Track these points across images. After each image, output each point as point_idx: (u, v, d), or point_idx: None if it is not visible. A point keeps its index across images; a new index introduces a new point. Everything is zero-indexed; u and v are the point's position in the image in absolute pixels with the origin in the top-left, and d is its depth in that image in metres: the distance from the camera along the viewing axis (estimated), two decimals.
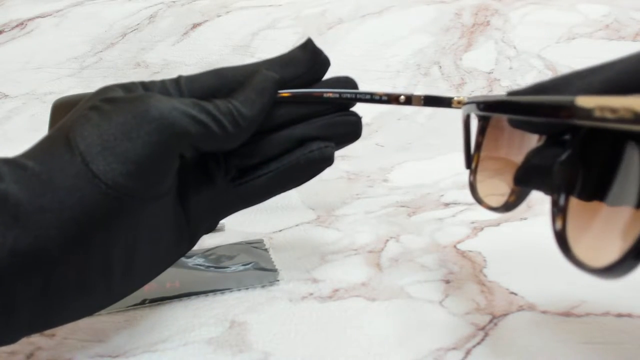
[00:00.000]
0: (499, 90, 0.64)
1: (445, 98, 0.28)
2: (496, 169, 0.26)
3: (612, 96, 0.14)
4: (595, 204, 0.18)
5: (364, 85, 0.64)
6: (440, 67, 0.65)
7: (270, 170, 0.27)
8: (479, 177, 0.26)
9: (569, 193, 0.18)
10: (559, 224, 0.18)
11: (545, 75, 0.64)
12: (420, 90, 0.64)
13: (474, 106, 0.24)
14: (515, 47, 0.66)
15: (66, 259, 0.20)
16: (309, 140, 0.28)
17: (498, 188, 0.25)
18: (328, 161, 0.28)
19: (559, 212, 0.18)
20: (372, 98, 0.28)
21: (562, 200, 0.18)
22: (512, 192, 0.22)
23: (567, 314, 0.27)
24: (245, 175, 0.27)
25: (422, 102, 0.28)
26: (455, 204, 0.42)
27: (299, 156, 0.27)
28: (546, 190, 0.19)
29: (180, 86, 0.26)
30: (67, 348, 0.25)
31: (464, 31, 0.67)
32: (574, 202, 0.18)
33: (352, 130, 0.29)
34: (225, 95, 0.25)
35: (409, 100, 0.28)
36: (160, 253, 0.24)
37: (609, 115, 0.14)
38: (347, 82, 0.29)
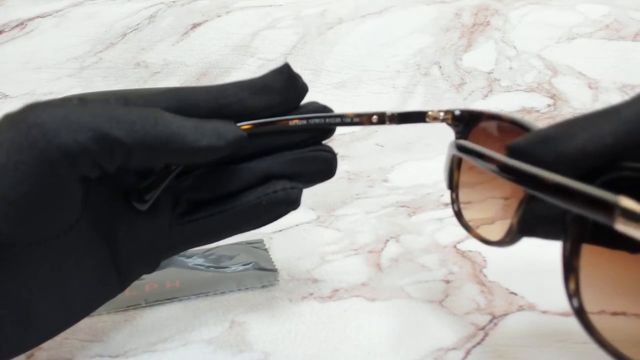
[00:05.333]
0: (499, 91, 0.64)
1: (419, 112, 0.26)
2: (483, 198, 0.24)
3: None
4: (613, 256, 0.17)
5: (365, 86, 0.64)
6: (440, 67, 0.65)
7: (226, 208, 0.24)
8: (464, 204, 0.25)
9: (582, 245, 0.17)
10: (572, 287, 0.16)
11: (545, 75, 0.64)
12: (420, 91, 0.64)
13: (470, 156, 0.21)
14: (515, 47, 0.66)
15: None
16: (275, 177, 0.24)
17: (490, 218, 0.23)
18: (293, 204, 0.24)
19: (572, 272, 0.17)
20: (343, 121, 0.25)
21: (575, 258, 0.16)
22: (509, 232, 0.21)
23: (567, 314, 0.27)
24: (197, 211, 0.24)
25: (396, 119, 0.26)
26: None
27: (261, 196, 0.24)
28: (553, 238, 0.18)
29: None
30: (67, 348, 0.25)
31: (464, 31, 0.67)
32: (587, 256, 0.17)
33: (325, 169, 0.26)
34: None
35: (382, 119, 0.25)
36: (71, 300, 0.21)
37: None
38: (324, 110, 0.25)
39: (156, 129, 0.19)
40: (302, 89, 0.24)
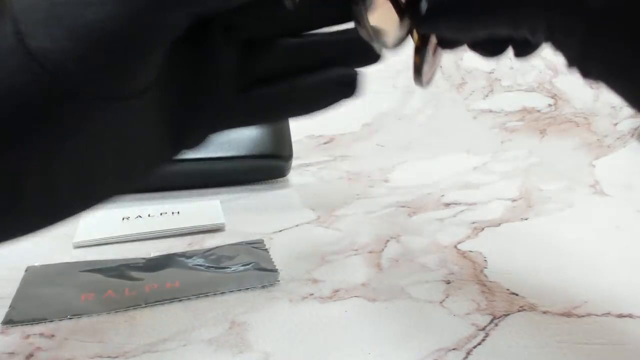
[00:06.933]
0: (499, 91, 0.64)
1: None
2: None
3: None
4: None
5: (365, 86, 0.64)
6: (441, 67, 0.65)
7: (292, 85, 0.23)
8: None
9: None
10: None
11: (546, 75, 0.64)
12: (420, 90, 0.63)
13: None
14: None
15: None
16: (334, 61, 0.24)
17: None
18: (355, 90, 0.25)
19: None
20: None
21: None
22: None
23: (567, 315, 0.27)
24: (262, 85, 0.23)
25: None
26: (455, 204, 0.42)
27: (331, 76, 0.24)
28: None
29: None
30: (67, 348, 0.25)
31: None
32: None
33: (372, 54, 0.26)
34: None
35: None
36: (126, 169, 0.20)
37: None
38: None
39: None
40: None
